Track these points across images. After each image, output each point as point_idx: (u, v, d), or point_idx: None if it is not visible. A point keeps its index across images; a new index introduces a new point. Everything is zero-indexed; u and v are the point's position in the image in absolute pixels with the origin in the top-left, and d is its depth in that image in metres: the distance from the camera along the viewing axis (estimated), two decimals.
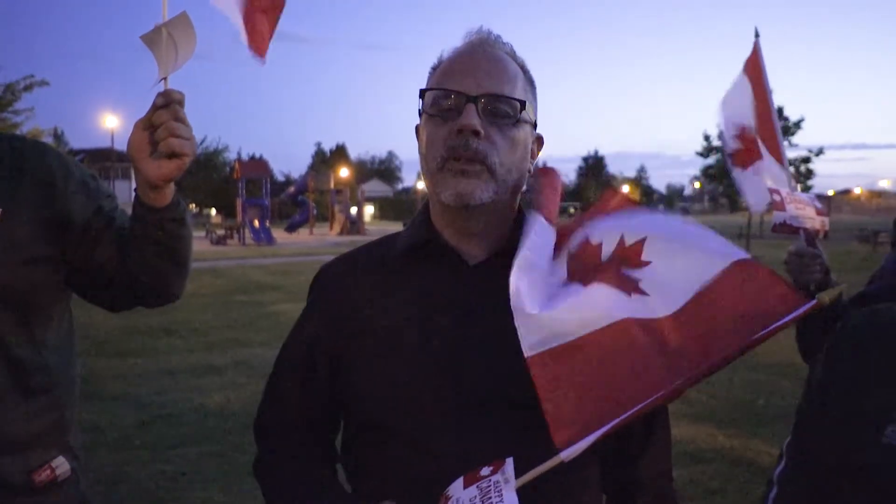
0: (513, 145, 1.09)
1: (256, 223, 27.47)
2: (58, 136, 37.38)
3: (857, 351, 1.08)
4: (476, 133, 1.05)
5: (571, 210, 47.16)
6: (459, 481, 0.95)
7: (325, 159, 69.22)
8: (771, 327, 0.97)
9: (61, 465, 1.33)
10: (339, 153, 73.40)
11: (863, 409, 1.02)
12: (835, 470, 1.04)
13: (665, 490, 1.22)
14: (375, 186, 74.44)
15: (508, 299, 1.00)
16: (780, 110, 29.90)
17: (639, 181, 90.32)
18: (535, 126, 1.16)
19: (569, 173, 78.57)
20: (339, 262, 1.25)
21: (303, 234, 32.75)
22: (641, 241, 1.04)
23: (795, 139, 28.81)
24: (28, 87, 41.35)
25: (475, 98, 1.06)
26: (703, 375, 0.99)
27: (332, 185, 35.42)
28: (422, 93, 1.13)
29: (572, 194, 65.80)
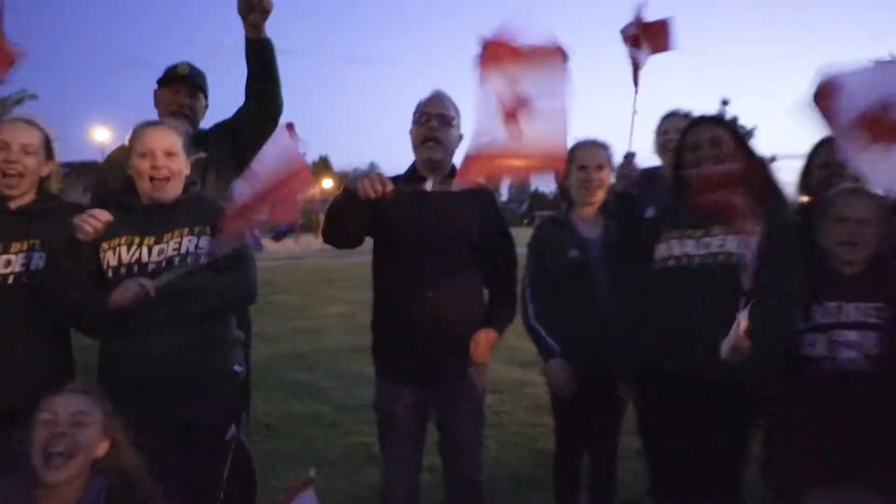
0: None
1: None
2: None
3: None
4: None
5: None
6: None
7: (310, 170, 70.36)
8: None
9: (242, 363, 2.55)
10: (323, 165, 74.94)
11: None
12: None
13: None
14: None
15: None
16: (735, 119, 31.82)
17: None
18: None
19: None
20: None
21: (287, 243, 33.86)
22: None
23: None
24: (19, 101, 41.80)
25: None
26: None
27: (318, 196, 36.59)
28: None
29: None
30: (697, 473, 2.36)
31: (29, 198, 2.36)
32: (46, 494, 1.85)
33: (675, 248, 2.42)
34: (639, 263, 2.51)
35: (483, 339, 2.62)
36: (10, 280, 2.26)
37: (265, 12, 2.71)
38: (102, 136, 37.93)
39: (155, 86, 3.06)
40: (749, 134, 30.92)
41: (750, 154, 2.45)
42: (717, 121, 2.60)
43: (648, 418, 2.61)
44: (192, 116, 2.98)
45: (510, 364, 6.35)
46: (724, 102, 32.18)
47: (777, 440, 2.35)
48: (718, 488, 2.36)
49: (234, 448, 2.46)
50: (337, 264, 18.69)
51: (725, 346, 2.10)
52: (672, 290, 2.38)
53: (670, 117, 3.36)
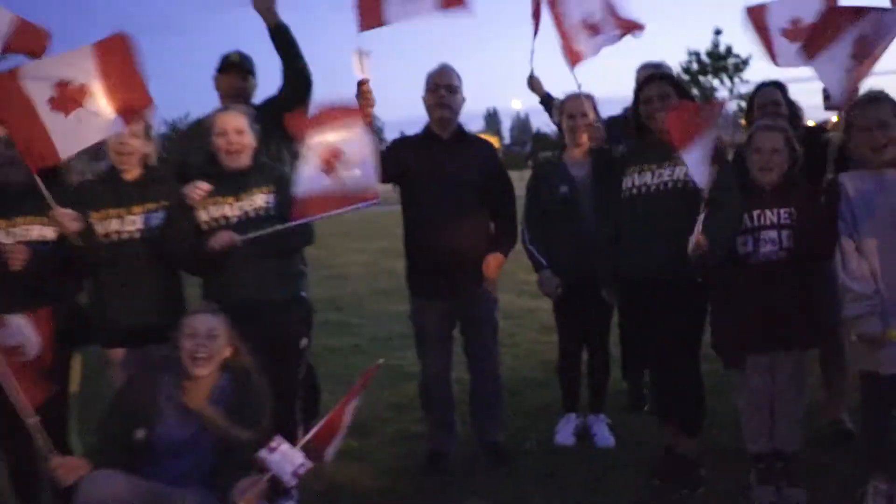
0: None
1: None
2: None
3: None
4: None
5: None
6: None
7: None
8: None
9: (307, 290, 3.25)
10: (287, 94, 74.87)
11: None
12: None
13: None
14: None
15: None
16: (729, 49, 31.81)
17: None
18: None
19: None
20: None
21: None
22: None
23: (746, 75, 30.54)
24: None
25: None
26: None
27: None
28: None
29: None
30: (662, 349, 3.10)
31: (138, 171, 3.04)
32: (191, 385, 2.61)
33: (636, 179, 3.08)
34: (610, 194, 3.18)
35: (493, 260, 3.35)
36: (137, 235, 2.97)
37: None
38: None
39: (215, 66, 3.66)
40: (745, 62, 31.06)
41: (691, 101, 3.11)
42: (665, 78, 3.22)
43: (625, 314, 3.32)
44: (245, 96, 3.63)
45: (521, 295, 7.11)
46: (717, 32, 32.18)
47: (721, 320, 3.06)
48: (679, 356, 3.10)
49: (305, 356, 3.21)
50: (353, 217, 19.21)
51: (691, 244, 2.77)
52: (634, 213, 3.06)
53: (644, 68, 3.97)
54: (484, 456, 3.57)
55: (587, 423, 3.82)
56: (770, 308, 2.86)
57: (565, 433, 3.78)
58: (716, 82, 31.70)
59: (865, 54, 2.95)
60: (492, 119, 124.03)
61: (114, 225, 2.97)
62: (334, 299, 8.20)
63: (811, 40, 3.08)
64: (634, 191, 3.10)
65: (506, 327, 5.85)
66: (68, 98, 2.72)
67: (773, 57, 3.45)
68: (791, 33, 3.36)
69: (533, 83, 4.16)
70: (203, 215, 2.97)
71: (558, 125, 3.84)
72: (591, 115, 3.59)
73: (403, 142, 3.52)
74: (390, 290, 8.85)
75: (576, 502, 3.12)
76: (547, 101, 4.17)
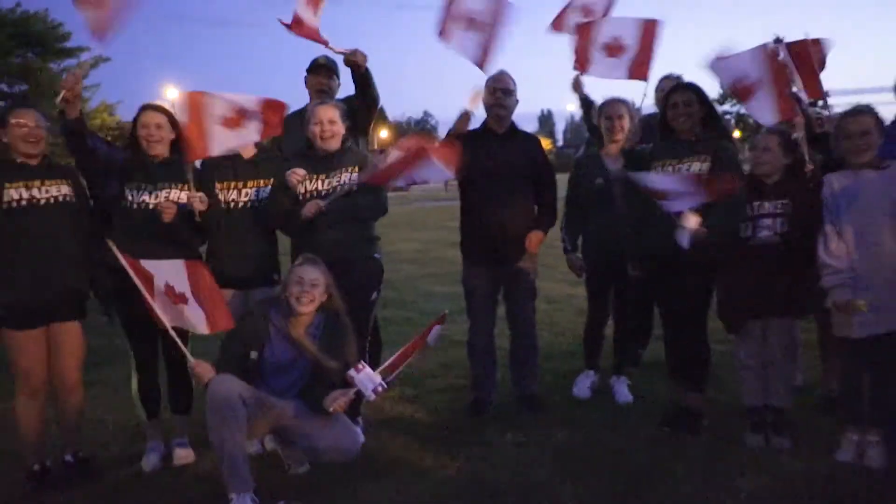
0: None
1: None
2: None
3: None
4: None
5: None
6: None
7: None
8: None
9: (380, 252, 3.93)
10: (378, 115, 76.42)
11: None
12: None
13: None
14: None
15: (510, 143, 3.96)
16: None
17: None
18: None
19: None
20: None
21: None
22: None
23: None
24: (94, 64, 43.27)
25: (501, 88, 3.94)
26: None
27: (375, 146, 38.17)
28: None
29: None
30: (675, 316, 3.71)
31: (252, 152, 3.79)
32: (294, 320, 3.34)
33: (659, 173, 3.68)
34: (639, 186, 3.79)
35: (534, 236, 3.99)
36: (248, 205, 3.72)
37: (362, 63, 3.93)
38: (172, 95, 39.96)
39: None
40: None
41: (711, 111, 3.70)
42: (691, 87, 3.80)
43: (646, 284, 3.94)
44: (329, 93, 4.33)
45: (561, 283, 7.72)
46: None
47: (724, 292, 3.64)
48: (689, 322, 3.71)
49: (374, 306, 3.91)
50: (402, 211, 20.09)
51: (683, 237, 3.36)
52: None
53: (665, 79, 4.57)
54: (519, 404, 4.22)
55: (610, 383, 4.44)
56: (764, 283, 3.43)
57: (581, 387, 4.42)
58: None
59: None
60: (546, 120, 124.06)
61: (232, 195, 3.73)
62: (390, 280, 8.87)
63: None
64: None
65: (547, 310, 6.54)
66: (234, 121, 3.54)
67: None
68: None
69: (576, 84, 4.66)
70: (300, 188, 3.70)
71: (595, 125, 4.45)
72: (627, 118, 4.21)
73: (466, 136, 4.19)
74: (438, 274, 9.65)
75: (594, 438, 3.74)
76: (586, 102, 4.71)
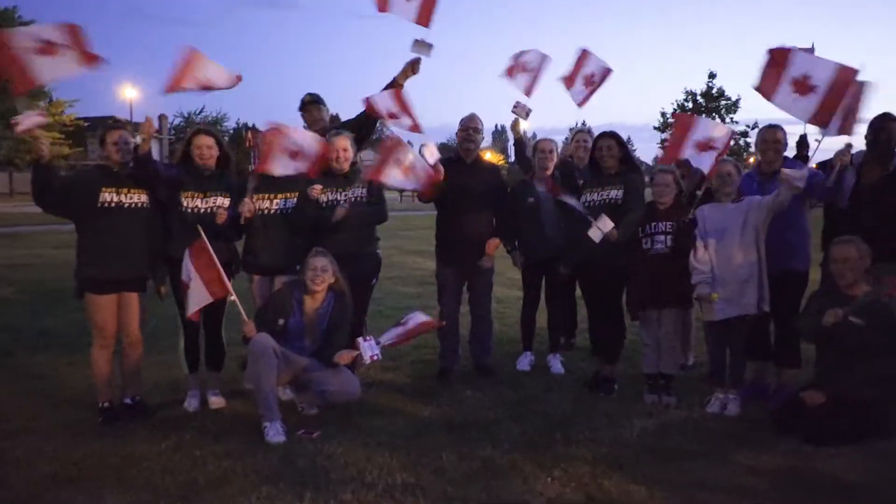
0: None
1: None
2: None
3: None
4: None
5: None
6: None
7: None
8: None
9: (380, 249, 5.11)
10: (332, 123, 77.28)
11: None
12: None
13: None
14: (367, 156, 78.34)
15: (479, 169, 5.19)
16: (722, 91, 34.26)
17: None
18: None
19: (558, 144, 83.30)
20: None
21: None
22: None
23: (737, 116, 32.90)
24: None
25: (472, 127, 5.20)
26: None
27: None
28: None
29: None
30: (597, 304, 5.00)
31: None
32: (310, 297, 4.48)
33: (587, 197, 4.97)
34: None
35: (492, 242, 5.25)
36: (277, 211, 4.82)
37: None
38: (131, 94, 39.75)
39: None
40: (735, 105, 33.35)
41: (626, 151, 5.01)
42: (611, 135, 5.08)
43: (572, 279, 5.23)
44: (322, 122, 5.46)
45: (511, 287, 8.95)
46: (711, 76, 34.50)
47: (630, 288, 4.93)
48: (607, 309, 5.00)
49: (371, 290, 5.08)
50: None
51: (596, 235, 4.62)
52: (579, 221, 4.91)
53: (579, 132, 6.03)
54: (477, 371, 5.44)
55: (547, 360, 5.68)
56: (658, 282, 4.73)
57: (523, 363, 5.68)
58: None
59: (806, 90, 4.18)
60: (499, 136, 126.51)
61: (265, 204, 4.83)
62: None
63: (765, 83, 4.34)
64: (587, 204, 4.98)
65: (497, 307, 7.75)
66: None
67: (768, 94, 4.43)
68: (798, 85, 4.30)
69: (514, 126, 5.73)
70: (322, 198, 4.83)
71: (525, 158, 5.70)
72: (555, 153, 5.49)
73: (442, 163, 5.37)
74: (402, 277, 10.83)
75: (533, 395, 4.97)
76: (520, 143, 5.85)
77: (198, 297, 4.46)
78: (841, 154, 4.42)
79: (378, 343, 4.45)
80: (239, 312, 4.49)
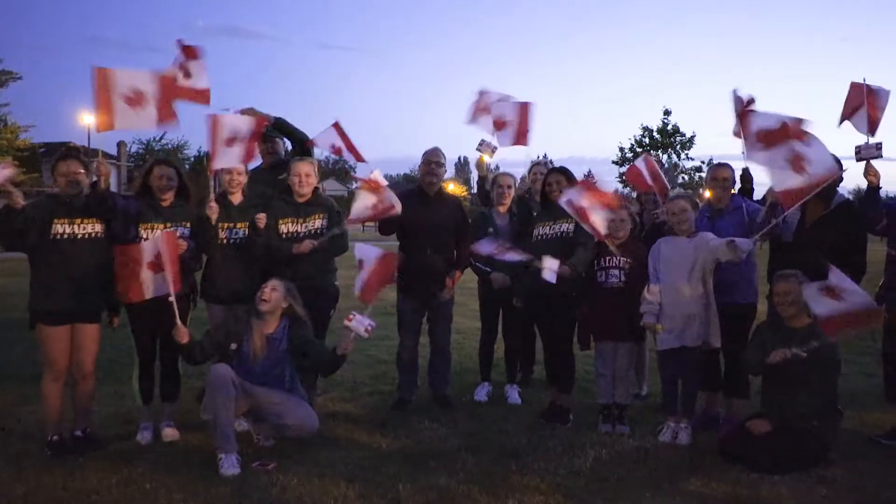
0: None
1: None
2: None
3: None
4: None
5: None
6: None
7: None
8: None
9: (338, 280, 5.16)
10: (294, 153, 76.86)
11: None
12: None
13: None
14: (331, 185, 78.18)
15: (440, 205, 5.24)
16: (676, 128, 35.45)
17: None
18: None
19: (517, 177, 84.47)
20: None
21: None
22: None
23: (692, 153, 34.04)
24: (3, 83, 41.62)
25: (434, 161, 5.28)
26: None
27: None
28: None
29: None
30: (551, 337, 5.09)
31: (240, 198, 4.93)
32: (262, 322, 4.47)
33: (540, 230, 5.11)
34: (526, 239, 5.18)
35: (454, 276, 5.31)
36: (238, 241, 4.84)
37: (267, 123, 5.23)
38: (89, 121, 39.06)
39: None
40: (690, 141, 34.47)
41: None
42: (561, 170, 5.24)
43: (527, 312, 5.33)
44: (277, 153, 5.58)
45: (470, 318, 9.02)
46: (667, 112, 35.64)
47: (585, 319, 5.05)
48: (559, 341, 5.09)
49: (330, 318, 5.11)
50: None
51: (549, 276, 4.72)
52: (536, 250, 4.99)
53: (536, 164, 6.19)
54: (435, 403, 5.47)
55: (504, 391, 5.74)
56: (611, 315, 4.85)
57: (480, 393, 5.74)
58: (664, 157, 34.89)
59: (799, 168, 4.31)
60: (462, 168, 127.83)
61: (224, 233, 4.84)
62: None
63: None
64: (540, 237, 5.11)
65: (457, 338, 7.82)
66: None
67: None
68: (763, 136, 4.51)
69: (479, 165, 5.97)
70: (283, 228, 4.87)
71: (487, 192, 5.84)
72: (513, 188, 5.63)
73: (403, 195, 5.46)
74: (360, 307, 10.75)
75: (488, 425, 5.02)
76: (483, 179, 6.07)
77: (157, 285, 4.38)
78: (771, 191, 4.66)
79: (363, 313, 4.46)
80: (174, 314, 4.37)
